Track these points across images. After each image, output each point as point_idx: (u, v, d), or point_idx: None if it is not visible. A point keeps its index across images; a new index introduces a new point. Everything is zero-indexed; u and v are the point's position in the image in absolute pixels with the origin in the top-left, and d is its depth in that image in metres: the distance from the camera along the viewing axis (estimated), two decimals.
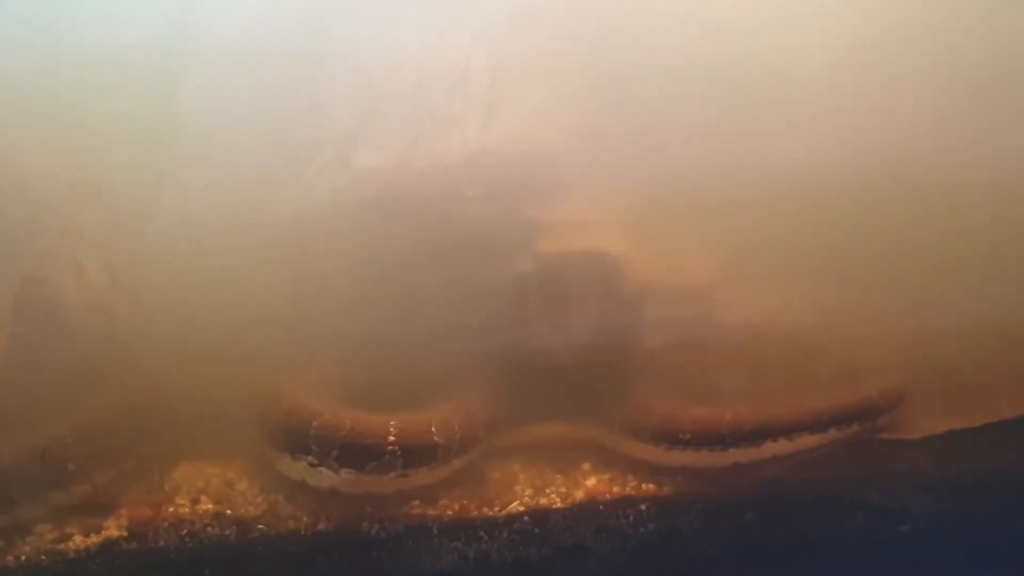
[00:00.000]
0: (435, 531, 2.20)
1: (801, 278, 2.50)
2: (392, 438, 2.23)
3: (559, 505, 2.32)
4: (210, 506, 2.25)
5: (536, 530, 2.23)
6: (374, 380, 2.42)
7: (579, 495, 2.36)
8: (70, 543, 2.12)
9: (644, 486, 2.37)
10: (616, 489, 2.37)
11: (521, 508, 2.30)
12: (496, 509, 2.29)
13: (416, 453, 2.26)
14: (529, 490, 2.37)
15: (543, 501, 2.33)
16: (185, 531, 2.17)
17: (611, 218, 2.48)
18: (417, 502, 2.28)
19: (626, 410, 2.50)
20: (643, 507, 2.28)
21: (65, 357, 2.25)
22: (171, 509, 2.23)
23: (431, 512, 2.27)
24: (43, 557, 2.09)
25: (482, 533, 2.21)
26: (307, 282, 2.37)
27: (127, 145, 2.27)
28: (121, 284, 2.28)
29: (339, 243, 2.36)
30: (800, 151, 2.40)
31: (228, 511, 2.24)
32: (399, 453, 2.23)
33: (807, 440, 2.41)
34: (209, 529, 2.18)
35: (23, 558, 2.07)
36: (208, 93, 2.30)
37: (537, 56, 2.44)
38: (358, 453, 2.23)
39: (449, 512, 2.28)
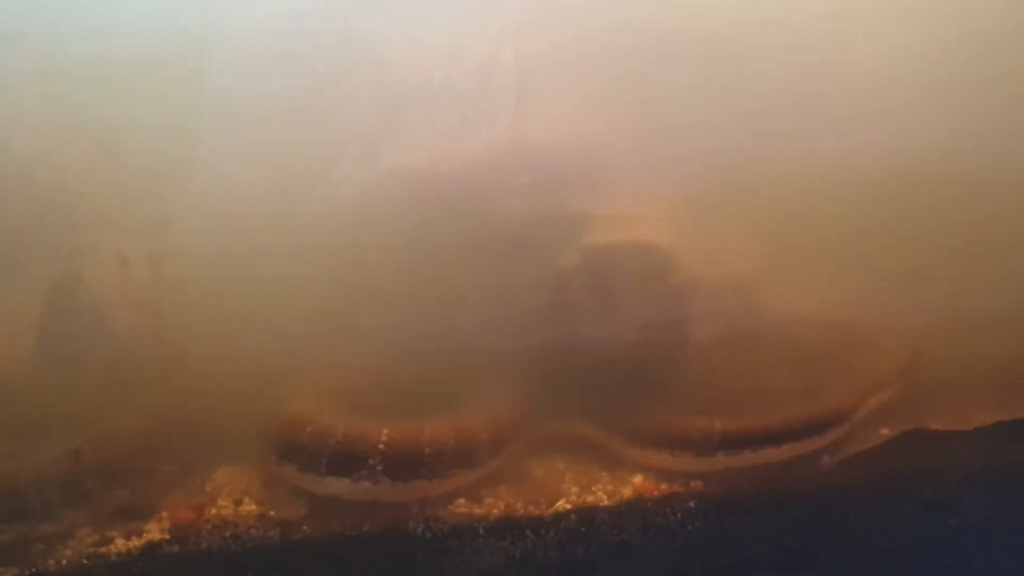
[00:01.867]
0: (481, 531, 2.17)
1: (847, 270, 2.48)
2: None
3: (606, 503, 2.27)
4: (253, 507, 2.20)
5: (583, 528, 2.20)
6: (415, 375, 2.38)
7: (626, 492, 2.31)
8: (111, 546, 2.08)
9: (692, 483, 2.32)
10: (664, 486, 2.33)
11: (568, 506, 2.25)
12: (543, 508, 2.25)
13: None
14: (575, 488, 2.33)
15: (590, 499, 2.28)
16: (228, 533, 2.12)
17: (653, 210, 2.45)
18: (462, 501, 2.24)
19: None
20: (691, 504, 2.26)
21: (107, 355, 2.21)
22: (213, 511, 2.19)
23: (477, 511, 2.22)
24: (84, 561, 2.04)
25: (528, 532, 2.18)
26: (349, 278, 2.33)
27: (166, 138, 2.23)
28: (165, 279, 2.24)
29: (383, 238, 2.33)
30: (845, 142, 2.38)
31: (272, 512, 2.19)
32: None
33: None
34: (252, 531, 2.13)
35: (64, 562, 2.03)
36: (246, 86, 2.27)
37: (574, 47, 2.42)
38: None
39: (495, 511, 2.23)
